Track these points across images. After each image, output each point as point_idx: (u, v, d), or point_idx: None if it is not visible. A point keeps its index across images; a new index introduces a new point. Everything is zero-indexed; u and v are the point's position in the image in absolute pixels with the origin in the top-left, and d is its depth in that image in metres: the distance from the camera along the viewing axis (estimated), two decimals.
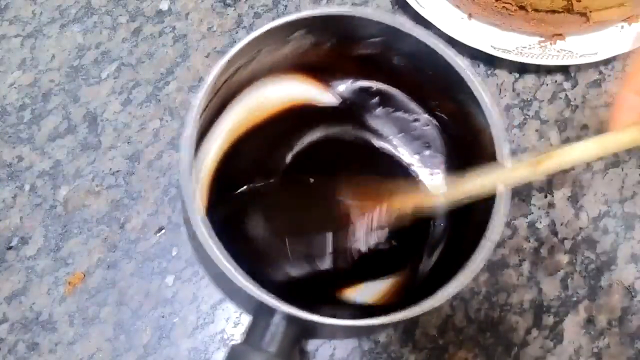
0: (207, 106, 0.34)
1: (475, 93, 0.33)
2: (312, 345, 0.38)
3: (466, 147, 0.36)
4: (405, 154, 0.39)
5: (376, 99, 0.39)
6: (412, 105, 0.39)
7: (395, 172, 0.38)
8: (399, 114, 0.39)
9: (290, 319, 0.30)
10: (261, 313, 0.30)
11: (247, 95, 0.37)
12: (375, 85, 0.39)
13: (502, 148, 0.32)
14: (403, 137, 0.39)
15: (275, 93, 0.38)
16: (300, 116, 0.38)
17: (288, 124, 0.38)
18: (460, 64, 0.33)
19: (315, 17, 0.34)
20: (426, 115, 0.39)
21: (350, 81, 0.39)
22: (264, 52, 0.35)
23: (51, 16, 0.47)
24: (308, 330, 0.35)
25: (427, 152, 0.39)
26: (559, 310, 0.39)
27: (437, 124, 0.39)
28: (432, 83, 0.36)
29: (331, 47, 0.37)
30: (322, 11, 0.34)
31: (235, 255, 0.30)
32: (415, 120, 0.39)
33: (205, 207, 0.35)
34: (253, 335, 0.30)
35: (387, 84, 0.39)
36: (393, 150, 0.39)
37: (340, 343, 0.38)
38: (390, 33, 0.35)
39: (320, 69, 0.38)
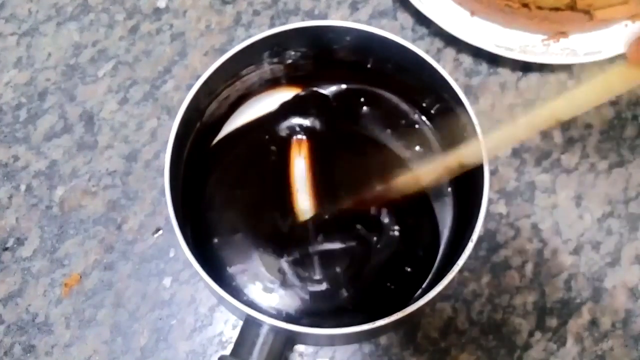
0: (194, 129, 0.37)
1: (455, 90, 0.35)
2: (312, 348, 0.37)
3: (455, 142, 0.37)
4: (397, 148, 0.40)
5: (362, 100, 0.40)
6: (403, 105, 0.40)
7: (389, 162, 0.39)
8: (385, 113, 0.40)
9: (278, 330, 0.30)
10: (249, 325, 0.30)
11: (242, 110, 0.40)
12: (362, 87, 0.40)
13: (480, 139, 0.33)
14: (390, 134, 0.40)
15: (268, 105, 0.40)
16: (292, 108, 0.40)
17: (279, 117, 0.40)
18: (430, 61, 0.35)
19: (283, 32, 0.36)
20: (416, 115, 0.40)
21: (336, 85, 0.40)
22: (247, 71, 0.38)
23: (47, 14, 0.47)
24: (296, 339, 0.35)
25: (417, 149, 0.39)
26: (562, 312, 0.39)
27: (428, 123, 0.40)
28: (418, 84, 0.38)
29: (313, 57, 0.39)
30: (285, 27, 0.36)
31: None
32: (403, 119, 0.40)
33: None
34: (241, 347, 0.30)
35: (375, 87, 0.40)
36: (385, 142, 0.40)
37: (341, 346, 0.38)
38: (363, 39, 0.36)
39: (307, 79, 0.40)
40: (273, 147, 0.39)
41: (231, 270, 0.35)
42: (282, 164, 0.38)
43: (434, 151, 0.39)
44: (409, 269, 0.36)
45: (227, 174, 0.38)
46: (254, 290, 0.35)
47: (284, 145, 0.39)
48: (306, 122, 0.39)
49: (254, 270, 0.35)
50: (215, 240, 0.36)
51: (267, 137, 0.39)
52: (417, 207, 0.37)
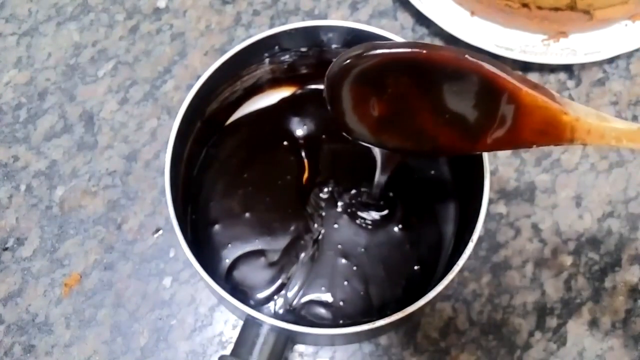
0: (194, 128, 0.36)
1: None
2: (312, 348, 0.37)
3: None
4: None
5: None
6: None
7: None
8: None
9: (278, 330, 0.30)
10: (249, 325, 0.30)
11: (243, 110, 0.40)
12: None
13: None
14: None
15: (270, 102, 0.41)
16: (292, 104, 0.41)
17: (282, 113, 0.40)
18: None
19: (283, 32, 0.36)
20: None
21: None
22: (247, 71, 0.38)
23: (47, 14, 0.47)
24: (296, 339, 0.35)
25: None
26: (562, 312, 0.39)
27: None
28: None
29: (313, 57, 0.39)
30: (285, 27, 0.36)
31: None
32: None
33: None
34: (241, 347, 0.30)
35: None
36: None
37: (341, 346, 0.38)
38: (363, 39, 0.36)
39: (307, 78, 0.40)
40: (275, 137, 0.39)
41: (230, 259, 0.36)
42: (283, 154, 0.38)
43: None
44: (416, 267, 0.36)
45: (230, 162, 0.38)
46: (255, 280, 0.35)
47: (286, 136, 0.39)
48: (305, 117, 0.40)
49: (255, 256, 0.36)
50: (217, 227, 0.36)
51: (268, 127, 0.39)
52: (419, 206, 0.38)
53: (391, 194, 0.37)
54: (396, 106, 0.27)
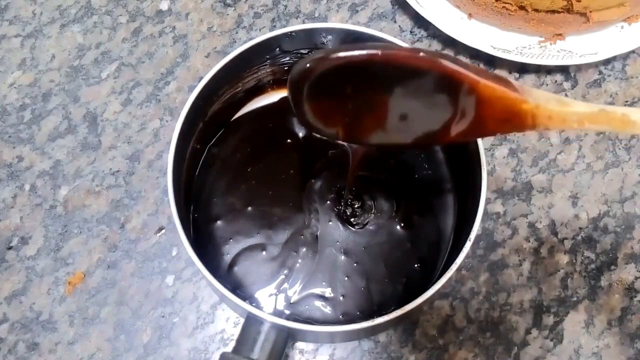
0: (197, 129, 0.37)
1: None
2: (312, 345, 0.38)
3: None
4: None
5: None
6: None
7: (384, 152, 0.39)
8: None
9: (279, 328, 0.30)
10: (250, 322, 0.31)
11: (244, 111, 0.41)
12: None
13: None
14: None
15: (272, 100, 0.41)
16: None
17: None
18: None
19: (283, 34, 0.36)
20: None
21: None
22: (248, 73, 0.38)
23: (51, 16, 0.47)
24: (297, 336, 0.35)
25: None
26: (559, 310, 0.39)
27: None
28: None
29: None
30: (285, 30, 0.36)
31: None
32: None
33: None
34: (242, 344, 0.31)
35: None
36: None
37: (341, 343, 0.38)
38: (363, 41, 0.36)
39: None
40: (276, 133, 0.39)
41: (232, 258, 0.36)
42: (284, 150, 0.39)
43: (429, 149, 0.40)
44: (417, 266, 0.36)
45: (232, 158, 0.39)
46: (256, 275, 0.36)
47: (287, 133, 0.40)
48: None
49: (256, 251, 0.36)
50: (219, 223, 0.37)
51: (270, 125, 0.40)
52: (419, 206, 0.38)
53: (368, 197, 0.38)
54: (357, 105, 0.28)
